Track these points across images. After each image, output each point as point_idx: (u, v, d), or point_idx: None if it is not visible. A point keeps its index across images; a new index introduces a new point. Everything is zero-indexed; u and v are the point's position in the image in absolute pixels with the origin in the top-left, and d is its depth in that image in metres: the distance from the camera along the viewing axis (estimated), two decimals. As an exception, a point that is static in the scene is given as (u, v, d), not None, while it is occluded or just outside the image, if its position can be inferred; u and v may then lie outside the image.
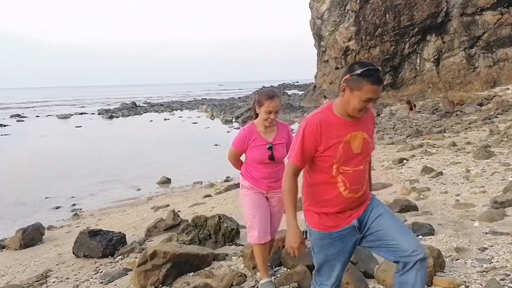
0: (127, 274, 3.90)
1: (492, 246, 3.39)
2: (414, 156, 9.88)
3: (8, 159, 16.54)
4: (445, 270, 2.94)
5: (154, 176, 11.93)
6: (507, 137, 9.90)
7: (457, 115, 19.52)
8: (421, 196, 5.82)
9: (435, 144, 11.31)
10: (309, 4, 32.74)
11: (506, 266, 2.97)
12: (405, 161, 9.32)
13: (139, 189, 10.93)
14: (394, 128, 18.77)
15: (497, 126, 12.10)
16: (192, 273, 3.48)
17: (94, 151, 17.65)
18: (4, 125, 29.73)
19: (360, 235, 2.12)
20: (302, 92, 47.73)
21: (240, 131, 2.99)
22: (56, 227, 7.93)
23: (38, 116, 39.85)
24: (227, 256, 3.87)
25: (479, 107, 20.28)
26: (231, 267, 3.50)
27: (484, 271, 2.93)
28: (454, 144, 10.32)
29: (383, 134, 17.24)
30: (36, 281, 4.38)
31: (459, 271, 2.96)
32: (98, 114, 39.28)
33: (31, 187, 11.60)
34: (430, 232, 3.82)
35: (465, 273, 2.92)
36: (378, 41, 27.34)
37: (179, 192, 10.27)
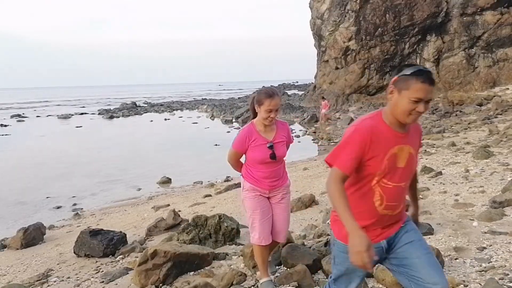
0: (128, 273, 3.92)
1: (491, 245, 3.41)
2: (414, 156, 9.89)
3: (8, 159, 16.56)
4: (444, 270, 2.96)
5: (155, 176, 11.95)
6: (506, 137, 9.92)
7: (456, 115, 19.53)
8: (420, 196, 5.84)
9: (435, 144, 11.32)
10: (309, 4, 32.73)
11: (505, 266, 2.99)
12: (405, 161, 9.33)
13: (139, 189, 10.95)
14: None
15: (497, 126, 12.12)
16: (193, 272, 3.50)
17: (94, 151, 17.66)
18: (5, 125, 29.75)
19: (385, 255, 2.01)
20: (302, 92, 47.72)
21: (239, 132, 2.94)
22: (57, 227, 7.95)
23: (38, 116, 39.84)
24: (227, 255, 3.89)
25: (479, 107, 20.29)
26: (231, 267, 3.52)
27: (483, 271, 2.95)
28: (453, 144, 10.34)
29: (383, 134, 17.24)
30: (37, 281, 4.40)
31: (458, 270, 2.98)
32: (99, 114, 39.28)
33: (32, 187, 11.62)
34: (429, 231, 3.85)
35: (464, 273, 2.94)
36: (378, 41, 27.33)
37: (179, 192, 10.29)
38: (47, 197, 10.43)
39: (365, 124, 1.90)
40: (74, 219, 8.57)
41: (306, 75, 59.81)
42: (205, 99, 59.44)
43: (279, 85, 72.08)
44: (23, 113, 41.93)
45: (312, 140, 18.05)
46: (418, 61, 27.34)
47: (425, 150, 10.40)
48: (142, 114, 38.46)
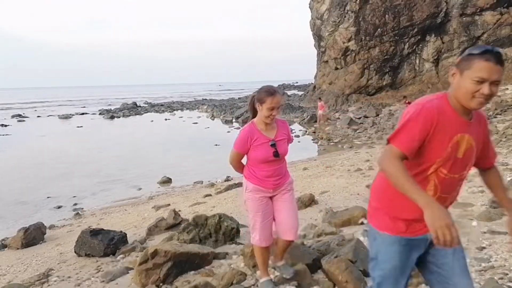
0: (128, 273, 3.93)
1: (491, 245, 3.42)
2: (413, 156, 9.92)
3: (9, 159, 16.57)
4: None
5: (155, 175, 11.96)
6: (505, 137, 9.95)
7: (456, 115, 19.55)
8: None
9: (435, 144, 11.35)
10: (309, 4, 32.75)
11: (504, 265, 3.00)
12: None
13: (140, 189, 10.96)
14: (393, 128, 18.76)
15: (496, 126, 12.13)
16: (193, 271, 3.51)
17: (95, 151, 17.67)
18: (5, 125, 29.76)
19: (422, 252, 1.88)
20: (302, 92, 47.73)
21: (240, 132, 2.91)
22: (57, 227, 7.96)
23: (39, 116, 39.84)
24: (227, 255, 3.90)
25: (479, 107, 20.27)
26: (232, 266, 3.53)
27: (482, 270, 2.96)
28: (453, 144, 10.35)
29: (382, 134, 17.26)
30: (37, 280, 4.41)
31: (457, 269, 2.98)
32: (99, 114, 39.30)
33: (32, 186, 11.63)
34: (429, 231, 3.85)
35: (462, 272, 2.94)
36: (377, 41, 27.34)
37: (179, 192, 10.30)
38: (48, 197, 10.44)
39: (433, 103, 1.73)
40: (74, 218, 8.58)
41: (306, 76, 59.90)
42: (205, 99, 59.47)
43: (279, 85, 72.04)
44: (24, 113, 41.93)
45: (312, 140, 18.07)
46: (417, 61, 27.36)
47: (425, 150, 10.42)
48: (142, 114, 38.48)
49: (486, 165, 1.99)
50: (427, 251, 1.88)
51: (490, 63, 1.62)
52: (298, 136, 18.41)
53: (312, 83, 38.27)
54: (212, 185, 10.34)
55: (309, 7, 32.71)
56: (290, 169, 3.20)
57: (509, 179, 5.78)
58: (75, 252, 5.15)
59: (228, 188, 9.04)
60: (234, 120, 28.06)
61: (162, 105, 48.81)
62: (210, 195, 8.87)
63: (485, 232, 3.75)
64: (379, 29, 27.22)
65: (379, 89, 27.99)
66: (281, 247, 3.03)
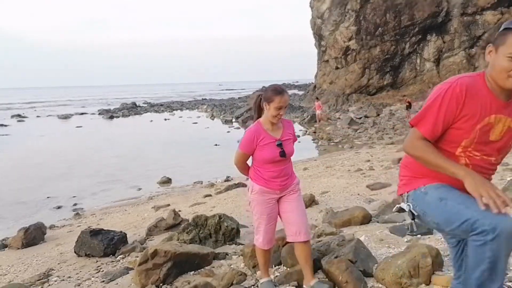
0: (128, 273, 3.93)
1: (490, 245, 3.41)
2: (414, 156, 9.91)
3: (9, 159, 16.57)
4: (443, 269, 2.96)
5: (155, 176, 11.97)
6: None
7: (457, 115, 19.55)
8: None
9: (435, 144, 11.34)
10: (310, 3, 32.74)
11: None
12: (404, 161, 9.34)
13: (140, 189, 10.96)
14: (393, 128, 18.81)
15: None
16: (193, 272, 3.51)
17: (95, 151, 17.67)
18: (5, 125, 29.77)
19: None
20: (302, 92, 47.74)
21: (246, 132, 2.86)
22: (57, 227, 7.97)
23: (38, 116, 39.87)
24: (227, 255, 3.90)
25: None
26: (231, 266, 3.53)
27: (482, 270, 2.95)
28: (453, 144, 10.34)
29: (383, 134, 17.27)
30: (38, 280, 4.41)
31: (457, 270, 2.98)
32: (99, 114, 39.31)
33: (32, 187, 11.63)
34: (429, 231, 3.85)
35: (463, 272, 2.94)
36: (378, 40, 27.34)
37: (179, 192, 10.30)
38: (48, 197, 10.45)
39: (461, 81, 1.63)
40: (74, 219, 8.59)
41: (306, 75, 59.90)
42: (205, 99, 59.49)
43: (279, 85, 71.86)
44: (23, 113, 41.96)
45: (312, 140, 18.07)
46: (418, 61, 27.37)
47: (425, 150, 10.41)
48: (142, 114, 38.49)
49: None
50: None
51: None
52: (298, 136, 18.41)
53: (312, 83, 38.29)
54: (212, 185, 10.34)
55: (310, 6, 32.71)
56: (290, 169, 3.17)
57: (509, 179, 5.78)
58: (75, 252, 5.15)
59: (228, 188, 9.04)
60: (234, 120, 28.06)
61: (161, 105, 48.82)
62: (210, 195, 8.87)
63: (485, 232, 3.74)
64: (380, 29, 27.22)
65: (379, 88, 27.99)
66: (302, 257, 2.86)
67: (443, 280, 2.76)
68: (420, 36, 26.98)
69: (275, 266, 3.36)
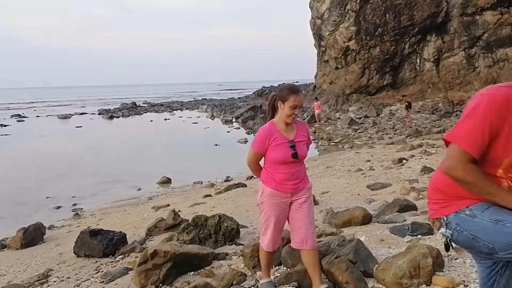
0: (127, 273, 3.92)
1: (491, 245, 3.41)
2: (413, 156, 9.91)
3: (9, 159, 16.56)
4: (444, 270, 2.95)
5: (155, 176, 11.96)
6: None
7: (456, 115, 19.56)
8: (420, 196, 5.84)
9: (435, 144, 11.35)
10: (309, 3, 32.73)
11: (505, 265, 2.98)
12: (404, 161, 9.35)
13: (139, 189, 10.95)
14: (393, 128, 18.80)
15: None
16: (193, 272, 3.50)
17: (94, 151, 17.67)
18: (5, 125, 29.76)
19: None
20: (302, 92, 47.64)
21: (258, 131, 2.81)
22: (57, 227, 7.96)
23: (38, 116, 39.87)
24: (227, 255, 3.89)
25: (479, 107, 20.27)
26: (231, 267, 3.52)
27: (482, 271, 2.94)
28: (454, 144, 10.33)
29: (383, 134, 17.27)
30: (37, 281, 4.40)
31: (458, 270, 2.97)
32: (99, 114, 39.31)
33: (32, 187, 11.62)
34: (429, 231, 3.84)
35: (464, 273, 2.93)
36: (378, 41, 27.33)
37: (179, 192, 10.29)
38: (47, 197, 10.44)
39: (500, 91, 1.49)
40: (74, 219, 8.57)
41: (306, 75, 59.90)
42: (205, 99, 59.50)
43: (279, 85, 72.01)
44: (23, 113, 41.97)
45: (312, 140, 18.05)
46: (418, 61, 27.37)
47: (425, 150, 10.40)
48: (142, 114, 38.49)
49: None
50: None
51: None
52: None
53: (312, 83, 38.27)
54: (212, 185, 10.33)
55: (309, 6, 32.70)
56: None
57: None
58: (74, 252, 5.14)
59: (228, 189, 9.03)
60: (234, 120, 28.05)
61: (161, 105, 48.83)
62: (210, 195, 8.86)
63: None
64: (379, 29, 27.21)
65: (379, 89, 27.98)
66: (311, 264, 2.80)
67: (444, 281, 2.75)
68: (419, 36, 26.97)
69: (275, 267, 3.35)
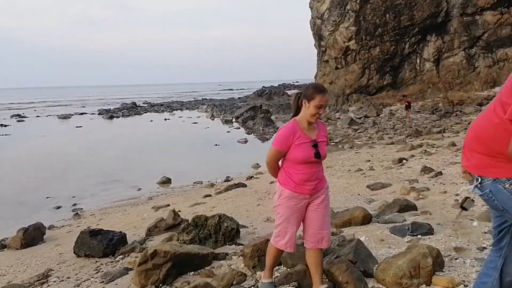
0: (127, 273, 3.92)
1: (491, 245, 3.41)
2: (413, 156, 9.91)
3: (9, 159, 16.56)
4: (444, 270, 2.95)
5: (155, 176, 11.95)
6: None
7: (456, 115, 19.56)
8: (420, 196, 5.84)
9: (435, 144, 11.35)
10: (309, 3, 32.73)
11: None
12: (404, 161, 9.35)
13: (139, 189, 10.95)
14: (393, 128, 18.79)
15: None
16: (193, 272, 3.50)
17: (94, 151, 17.67)
18: (5, 125, 29.76)
19: None
20: (302, 92, 47.55)
21: (281, 129, 2.75)
22: (57, 227, 7.96)
23: (38, 116, 39.87)
24: (227, 255, 3.89)
25: (479, 107, 20.31)
26: (231, 267, 3.52)
27: (483, 271, 2.94)
28: (453, 144, 10.35)
29: (383, 134, 17.26)
30: (37, 281, 4.40)
31: (458, 270, 2.97)
32: (99, 114, 39.31)
33: (32, 187, 11.62)
34: (429, 231, 3.84)
35: (464, 273, 2.93)
36: (378, 41, 27.34)
37: (179, 192, 10.29)
38: (47, 197, 10.43)
39: None
40: (74, 219, 8.57)
41: (306, 75, 59.88)
42: (205, 99, 59.50)
43: (279, 85, 72.01)
44: (23, 113, 41.96)
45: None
46: (418, 61, 27.38)
47: (425, 150, 10.40)
48: (142, 114, 38.49)
49: None
50: None
51: None
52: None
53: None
54: (212, 185, 10.33)
55: (309, 6, 32.70)
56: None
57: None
58: (74, 252, 5.14)
59: (228, 189, 9.03)
60: (234, 120, 28.05)
61: (161, 105, 48.83)
62: (210, 195, 8.85)
63: (485, 232, 3.73)
64: (379, 29, 27.22)
65: (379, 88, 27.99)
66: (314, 264, 2.80)
67: (444, 281, 2.75)
68: (419, 36, 26.98)
69: (275, 267, 3.35)
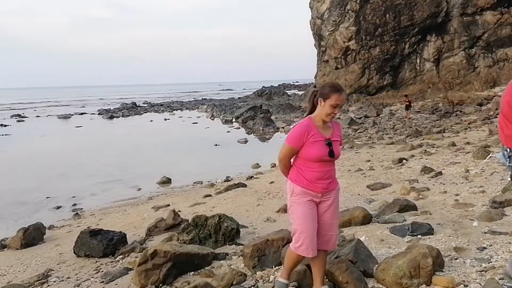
0: (127, 273, 3.92)
1: (491, 245, 3.41)
2: (413, 156, 9.90)
3: (9, 159, 16.56)
4: (444, 270, 2.95)
5: (155, 176, 11.95)
6: (506, 137, 9.92)
7: (456, 115, 19.54)
8: (420, 196, 5.85)
9: (435, 144, 11.34)
10: (309, 4, 32.73)
11: (505, 266, 2.98)
12: (404, 161, 9.34)
13: (139, 189, 10.95)
14: (393, 128, 18.78)
15: (496, 126, 12.12)
16: (193, 272, 3.50)
17: (94, 151, 17.67)
18: (5, 125, 29.76)
19: None
20: (302, 92, 47.72)
21: (295, 126, 2.73)
22: (57, 227, 7.95)
23: (38, 116, 39.86)
24: (227, 255, 3.89)
25: (479, 107, 20.31)
26: (231, 267, 3.52)
27: (483, 271, 2.94)
28: (453, 144, 10.35)
29: (383, 134, 17.25)
30: (37, 281, 4.40)
31: (458, 270, 2.97)
32: (99, 114, 39.30)
33: (32, 187, 11.62)
34: (429, 231, 3.84)
35: (464, 273, 2.93)
36: (378, 41, 27.34)
37: (179, 192, 10.28)
38: (47, 197, 10.43)
39: None
40: (74, 219, 8.57)
41: (306, 75, 59.87)
42: (205, 99, 59.48)
43: (279, 85, 72.07)
44: (23, 113, 41.95)
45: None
46: (418, 61, 27.38)
47: (425, 150, 10.40)
48: (142, 114, 38.48)
49: None
50: None
51: None
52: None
53: (312, 83, 38.29)
54: (212, 185, 10.33)
55: (309, 6, 32.70)
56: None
57: (509, 179, 5.77)
58: (74, 252, 5.14)
59: (228, 189, 9.02)
60: (234, 120, 28.04)
61: (161, 105, 48.82)
62: (210, 195, 8.85)
63: (485, 233, 3.73)
64: (379, 29, 27.22)
65: (379, 88, 27.99)
66: (317, 265, 2.79)
67: (444, 281, 2.75)
68: (419, 36, 26.98)
69: (275, 267, 3.35)
